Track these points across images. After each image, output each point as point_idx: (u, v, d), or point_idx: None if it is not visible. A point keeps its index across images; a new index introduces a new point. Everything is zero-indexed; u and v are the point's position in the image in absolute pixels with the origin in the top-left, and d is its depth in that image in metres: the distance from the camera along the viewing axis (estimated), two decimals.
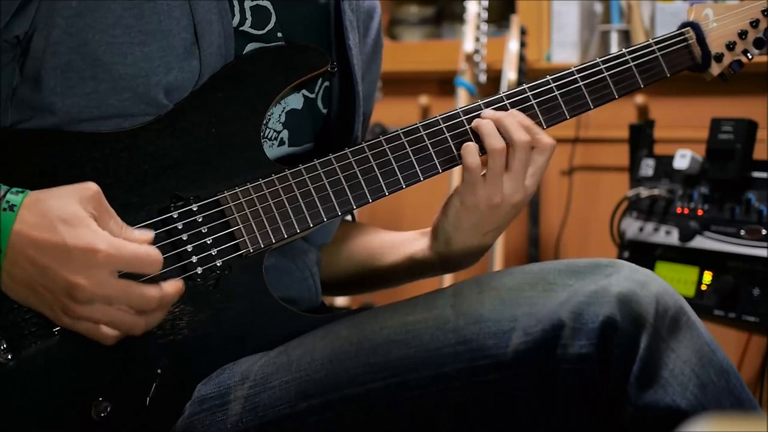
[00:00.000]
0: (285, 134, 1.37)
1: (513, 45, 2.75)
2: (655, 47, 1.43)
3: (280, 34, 1.35)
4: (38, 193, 1.14)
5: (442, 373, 1.18)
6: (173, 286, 1.17)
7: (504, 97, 1.36)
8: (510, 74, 2.71)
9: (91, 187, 1.15)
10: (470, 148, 1.32)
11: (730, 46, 1.47)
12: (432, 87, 3.07)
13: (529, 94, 1.37)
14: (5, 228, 1.12)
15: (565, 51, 2.80)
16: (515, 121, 1.33)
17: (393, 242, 1.48)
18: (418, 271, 1.45)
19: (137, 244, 1.15)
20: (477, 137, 1.34)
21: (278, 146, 1.36)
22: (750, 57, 1.48)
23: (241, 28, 1.32)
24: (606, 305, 1.15)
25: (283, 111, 1.37)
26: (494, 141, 1.32)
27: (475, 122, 1.34)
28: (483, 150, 1.33)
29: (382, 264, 1.48)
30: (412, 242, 1.45)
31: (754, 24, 1.47)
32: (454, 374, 1.17)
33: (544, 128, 1.37)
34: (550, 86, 1.37)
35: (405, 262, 1.45)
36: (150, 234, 1.18)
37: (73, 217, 1.12)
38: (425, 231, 1.44)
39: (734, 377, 1.16)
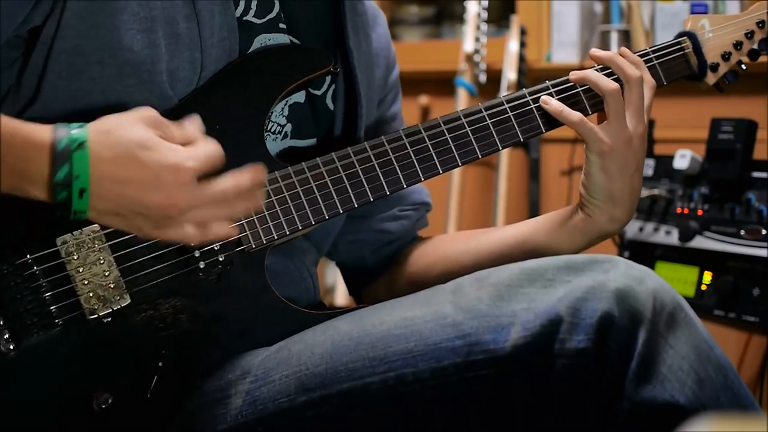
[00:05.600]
0: (289, 128, 1.37)
1: (513, 45, 2.75)
2: (652, 56, 1.43)
3: (282, 25, 1.36)
4: (101, 123, 1.14)
5: (441, 368, 1.18)
6: (244, 174, 1.17)
7: (504, 101, 1.37)
8: (510, 74, 2.71)
9: (150, 111, 1.16)
10: (555, 107, 1.35)
11: (726, 56, 1.48)
12: (432, 87, 3.06)
13: (528, 98, 1.37)
14: (83, 169, 1.11)
15: (565, 51, 2.80)
16: (623, 59, 1.36)
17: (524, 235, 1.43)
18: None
19: (202, 143, 1.16)
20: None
21: (282, 139, 1.37)
22: (744, 68, 1.49)
23: (244, 18, 1.32)
24: (603, 301, 1.16)
25: (286, 104, 1.37)
26: (606, 83, 1.33)
27: (577, 75, 1.36)
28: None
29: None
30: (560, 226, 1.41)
31: (749, 35, 1.49)
32: (452, 368, 1.18)
33: (543, 132, 1.38)
34: (550, 92, 1.38)
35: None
36: (198, 120, 1.19)
37: (147, 140, 1.13)
38: (559, 214, 1.41)
39: (732, 373, 1.16)
